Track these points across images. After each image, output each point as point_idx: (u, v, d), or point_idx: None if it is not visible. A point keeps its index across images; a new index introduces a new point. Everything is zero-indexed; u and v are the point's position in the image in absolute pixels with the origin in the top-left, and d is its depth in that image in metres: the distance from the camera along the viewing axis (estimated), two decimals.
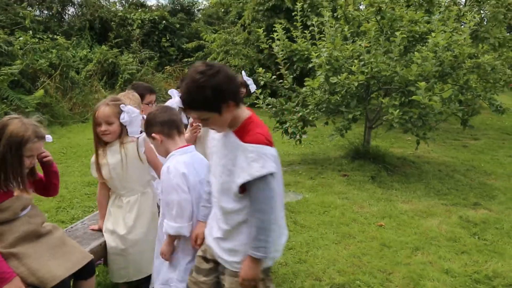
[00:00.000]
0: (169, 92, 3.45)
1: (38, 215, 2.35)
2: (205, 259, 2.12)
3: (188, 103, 1.80)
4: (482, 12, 9.75)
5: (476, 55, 6.25)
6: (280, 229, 2.00)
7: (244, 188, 1.84)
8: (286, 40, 6.67)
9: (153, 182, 2.90)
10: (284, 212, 2.06)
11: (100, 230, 2.81)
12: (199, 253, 2.17)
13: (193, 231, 2.24)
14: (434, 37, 5.44)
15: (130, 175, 2.69)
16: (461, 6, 9.33)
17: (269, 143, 1.81)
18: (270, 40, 6.76)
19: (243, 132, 1.84)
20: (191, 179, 2.25)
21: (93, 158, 2.71)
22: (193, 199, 2.25)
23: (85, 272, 2.35)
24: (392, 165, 6.43)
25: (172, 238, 2.29)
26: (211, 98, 1.74)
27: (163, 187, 2.28)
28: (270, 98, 6.48)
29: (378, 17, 5.95)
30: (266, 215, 1.82)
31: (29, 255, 2.17)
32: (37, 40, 10.15)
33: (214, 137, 2.00)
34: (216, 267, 2.08)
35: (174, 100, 3.28)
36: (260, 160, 1.76)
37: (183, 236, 2.26)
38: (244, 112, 1.90)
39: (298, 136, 6.44)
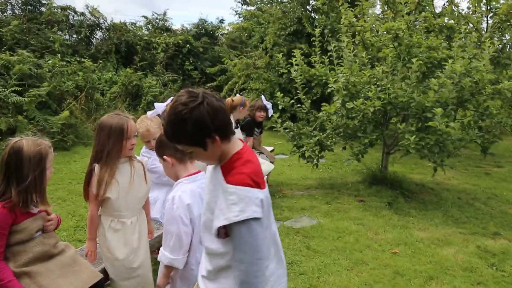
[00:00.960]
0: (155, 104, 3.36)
1: (52, 236, 2.42)
2: None
3: (170, 136, 1.65)
4: (505, 38, 9.67)
5: (499, 81, 6.18)
6: (276, 282, 1.80)
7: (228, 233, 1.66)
8: (305, 65, 6.75)
9: None
10: (281, 263, 1.86)
11: (88, 254, 2.71)
12: None
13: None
14: (453, 63, 5.42)
15: (136, 194, 2.69)
16: (483, 32, 9.28)
17: (255, 185, 1.60)
18: (289, 65, 6.84)
19: (228, 169, 1.66)
20: (195, 209, 2.25)
21: (103, 177, 2.57)
22: (195, 230, 2.26)
23: None
24: (410, 191, 6.36)
25: (169, 270, 2.29)
26: (193, 133, 1.59)
27: (166, 215, 2.28)
28: (288, 122, 6.53)
29: (395, 44, 5.97)
30: (248, 267, 1.61)
31: (41, 274, 2.23)
32: (65, 63, 10.52)
33: (208, 168, 1.82)
34: None
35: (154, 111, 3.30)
36: (240, 203, 1.56)
37: (176, 267, 2.27)
38: (235, 146, 1.71)
39: (315, 160, 6.45)
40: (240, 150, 1.70)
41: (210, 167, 1.79)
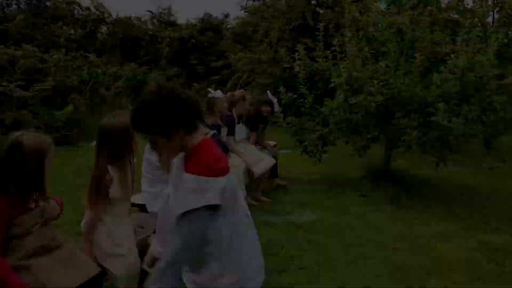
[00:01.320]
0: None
1: (50, 231, 2.44)
2: None
3: (137, 125, 1.69)
4: (511, 32, 9.59)
5: (504, 75, 6.13)
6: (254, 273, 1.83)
7: None
8: (308, 60, 6.73)
9: None
10: (255, 252, 1.87)
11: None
12: None
13: None
14: (456, 58, 5.39)
15: (131, 190, 2.78)
16: (489, 26, 9.20)
17: (213, 173, 1.64)
18: (292, 60, 6.82)
19: (188, 160, 1.72)
20: None
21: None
22: None
23: (92, 285, 2.42)
24: (412, 186, 6.34)
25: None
26: (160, 122, 1.64)
27: (159, 211, 2.26)
28: (291, 117, 6.53)
29: (398, 38, 5.95)
30: (179, 250, 1.65)
31: (39, 267, 2.25)
32: (69, 57, 10.55)
33: (175, 163, 1.85)
34: None
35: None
36: (194, 192, 1.61)
37: None
38: (195, 138, 1.74)
39: (318, 155, 6.45)
40: (201, 142, 1.74)
41: (176, 162, 1.82)
